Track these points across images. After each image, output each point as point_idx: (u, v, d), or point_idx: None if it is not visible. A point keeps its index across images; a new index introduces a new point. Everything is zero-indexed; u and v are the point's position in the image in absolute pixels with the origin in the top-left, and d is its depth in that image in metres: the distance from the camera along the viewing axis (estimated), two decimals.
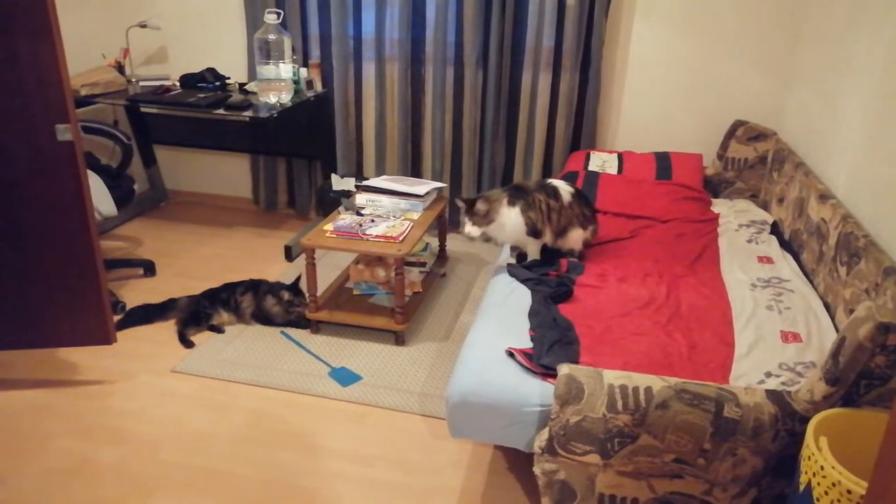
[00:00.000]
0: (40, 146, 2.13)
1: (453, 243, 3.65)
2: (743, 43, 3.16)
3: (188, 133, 3.91)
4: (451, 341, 2.77)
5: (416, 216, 2.85)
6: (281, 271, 3.32)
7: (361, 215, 2.85)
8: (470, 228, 2.38)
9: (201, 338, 2.76)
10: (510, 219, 2.41)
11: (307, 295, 2.76)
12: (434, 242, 3.34)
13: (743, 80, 3.22)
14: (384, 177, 3.15)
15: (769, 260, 2.48)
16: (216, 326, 2.81)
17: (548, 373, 1.79)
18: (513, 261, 2.52)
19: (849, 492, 1.31)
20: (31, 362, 2.58)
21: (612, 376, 1.63)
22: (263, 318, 2.85)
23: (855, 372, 1.50)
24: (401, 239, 2.63)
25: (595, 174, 3.10)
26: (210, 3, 3.71)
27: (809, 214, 2.43)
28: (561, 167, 3.44)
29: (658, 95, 3.35)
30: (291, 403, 2.38)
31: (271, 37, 3.15)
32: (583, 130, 3.42)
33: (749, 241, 2.64)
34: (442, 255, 3.35)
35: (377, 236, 2.64)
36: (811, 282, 2.31)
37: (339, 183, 3.42)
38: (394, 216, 2.84)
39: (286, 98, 3.26)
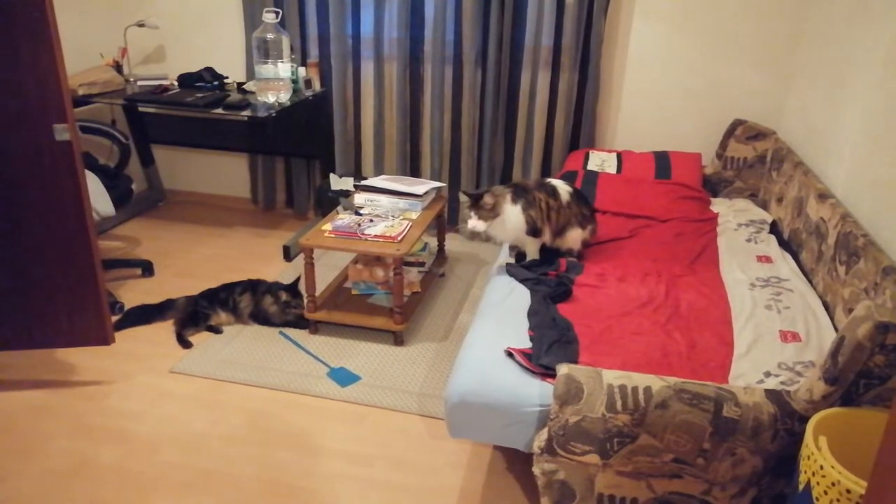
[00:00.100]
0: (38, 146, 2.12)
1: (452, 243, 3.65)
2: (742, 42, 3.16)
3: (186, 132, 3.90)
4: (450, 341, 2.77)
5: (414, 216, 2.85)
6: (279, 271, 3.32)
7: (360, 215, 2.84)
8: (476, 223, 2.36)
9: (199, 338, 2.76)
10: (512, 216, 2.40)
11: (305, 295, 2.76)
12: (433, 242, 3.34)
13: (742, 79, 3.22)
14: (383, 176, 3.15)
15: (768, 259, 2.48)
16: (214, 327, 2.81)
17: (547, 373, 1.79)
18: (512, 260, 2.52)
19: (848, 491, 1.31)
20: (30, 363, 2.57)
21: (612, 376, 1.63)
22: (262, 318, 2.85)
23: (854, 371, 1.49)
24: (399, 239, 2.62)
25: (594, 173, 3.10)
26: (208, 3, 3.70)
27: (808, 214, 2.43)
28: (560, 166, 3.44)
29: (657, 94, 3.35)
30: (290, 404, 2.38)
31: (269, 36, 3.14)
32: (582, 129, 3.42)
33: (748, 241, 2.64)
34: (441, 255, 3.34)
35: (376, 236, 2.63)
36: (810, 281, 2.31)
37: (338, 182, 3.42)
38: (392, 216, 2.83)
39: (284, 97, 3.26)
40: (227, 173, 4.12)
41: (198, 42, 3.79)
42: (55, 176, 2.16)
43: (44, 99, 2.07)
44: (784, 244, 2.59)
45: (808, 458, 1.41)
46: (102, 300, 2.35)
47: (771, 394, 1.60)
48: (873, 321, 1.45)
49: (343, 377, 2.52)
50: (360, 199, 2.95)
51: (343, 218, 2.81)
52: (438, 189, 3.10)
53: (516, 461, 2.14)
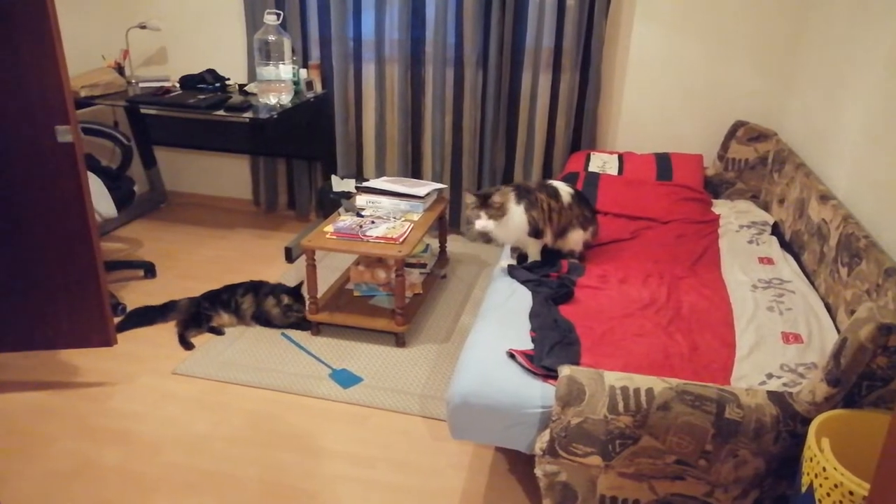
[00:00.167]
0: (40, 148, 2.13)
1: (454, 244, 3.65)
2: (743, 43, 3.16)
3: (188, 134, 3.91)
4: (452, 343, 2.77)
5: (416, 217, 2.85)
6: (281, 272, 3.32)
7: (362, 216, 2.85)
8: (485, 222, 2.35)
9: (202, 339, 2.76)
10: (516, 216, 2.40)
11: (307, 296, 2.76)
12: (434, 244, 3.34)
13: (743, 81, 3.22)
14: (384, 178, 3.15)
15: (770, 261, 2.48)
16: (216, 328, 2.81)
17: (549, 374, 1.79)
18: (513, 262, 2.52)
19: (851, 493, 1.31)
20: (32, 364, 2.57)
21: (614, 378, 1.63)
22: (264, 320, 2.85)
23: (856, 373, 1.49)
24: (401, 240, 2.63)
25: (595, 175, 3.10)
26: (210, 5, 3.71)
27: (810, 215, 2.43)
28: (561, 168, 3.44)
29: (658, 96, 3.35)
30: (292, 405, 2.38)
31: (271, 38, 3.15)
32: (583, 131, 3.42)
33: (750, 242, 2.64)
34: (442, 257, 3.35)
35: (377, 237, 2.63)
36: (812, 283, 2.31)
37: (340, 184, 3.42)
38: (394, 217, 2.84)
39: (286, 99, 3.26)
40: (229, 175, 4.13)
41: (199, 44, 3.79)
42: (57, 177, 2.17)
43: (46, 101, 2.08)
44: (786, 246, 2.59)
45: (811, 459, 1.41)
46: (105, 301, 2.35)
47: (773, 395, 1.60)
48: (875, 323, 1.45)
49: (345, 379, 2.52)
50: (361, 200, 2.95)
51: (345, 219, 2.81)
52: (440, 191, 3.10)
53: (518, 463, 2.13)
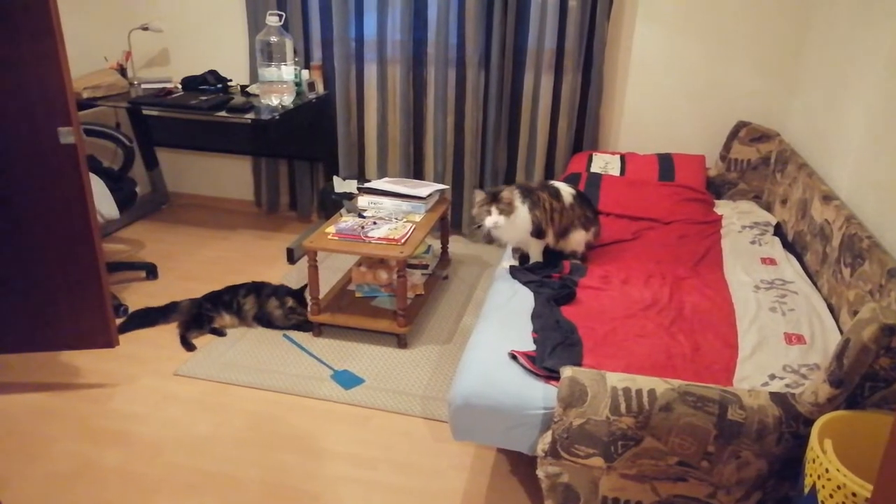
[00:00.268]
0: (43, 149, 2.13)
1: (455, 245, 3.65)
2: (745, 44, 3.16)
3: (190, 135, 3.91)
4: (454, 344, 2.77)
5: (418, 218, 2.85)
6: (283, 274, 3.32)
7: (363, 217, 2.85)
8: (496, 217, 2.35)
9: (203, 341, 2.76)
10: (521, 214, 2.40)
11: (309, 297, 2.76)
12: (436, 244, 3.34)
13: (745, 82, 3.22)
14: (386, 179, 3.15)
15: (772, 261, 2.48)
16: (218, 329, 2.81)
17: (551, 375, 1.79)
18: (515, 263, 2.52)
19: (854, 494, 1.30)
20: (34, 365, 2.58)
21: (616, 379, 1.63)
22: (265, 321, 2.85)
23: (859, 374, 1.49)
24: (403, 241, 2.62)
25: (597, 176, 3.10)
26: (211, 6, 3.71)
27: (813, 216, 2.42)
28: (563, 169, 3.44)
29: (660, 97, 3.34)
30: (294, 406, 2.38)
31: (273, 39, 3.15)
32: (585, 132, 3.41)
33: (752, 243, 2.63)
34: (444, 258, 3.34)
35: (379, 238, 2.63)
36: (815, 283, 2.30)
37: (341, 185, 3.42)
38: (396, 218, 2.84)
39: (288, 100, 3.26)
40: (231, 176, 4.13)
41: (201, 45, 3.80)
42: (59, 179, 2.17)
43: (48, 102, 2.08)
44: (788, 246, 2.58)
45: (814, 461, 1.41)
46: (106, 303, 2.35)
47: (776, 396, 1.59)
48: (878, 323, 1.44)
49: (347, 380, 2.52)
50: (363, 201, 2.95)
51: (346, 220, 2.81)
52: (442, 191, 3.10)
53: (520, 464, 2.13)
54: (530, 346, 1.93)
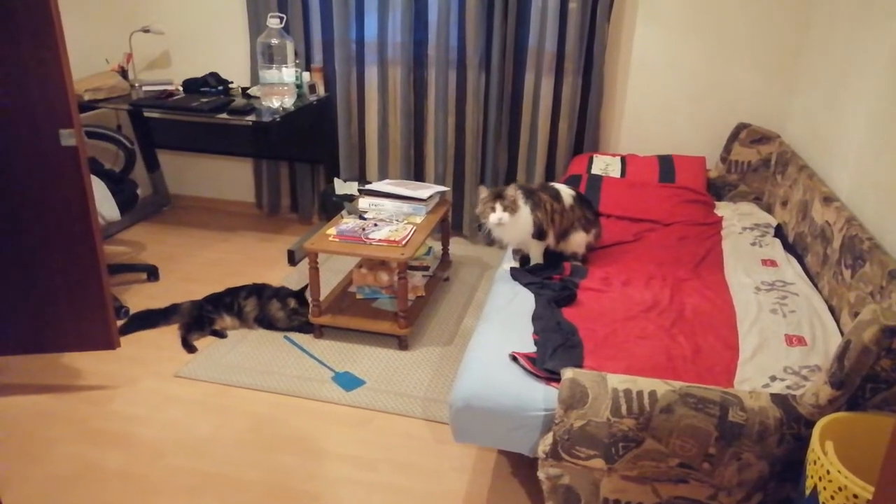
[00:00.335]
0: (44, 151, 2.14)
1: (456, 247, 3.65)
2: (746, 45, 3.16)
3: (191, 137, 3.92)
4: (455, 345, 2.77)
5: (419, 220, 2.85)
6: (284, 275, 3.32)
7: (364, 219, 2.85)
8: (501, 213, 2.35)
9: (204, 343, 2.76)
10: (522, 215, 2.40)
11: (310, 300, 2.76)
12: (437, 246, 3.34)
13: (746, 83, 3.22)
14: (387, 181, 3.15)
15: (773, 263, 2.48)
16: (218, 331, 2.81)
17: (551, 377, 1.79)
18: (516, 265, 2.52)
19: (855, 496, 1.30)
20: (35, 367, 2.58)
21: (617, 380, 1.63)
22: (267, 323, 2.85)
23: (860, 375, 1.49)
24: (404, 243, 2.63)
25: (598, 177, 3.10)
26: (213, 8, 3.72)
27: (813, 217, 2.43)
28: (564, 170, 3.44)
29: (661, 98, 3.35)
30: (295, 408, 2.38)
31: (274, 41, 3.15)
32: (585, 134, 3.42)
33: (753, 244, 2.63)
34: (445, 259, 3.35)
35: (380, 240, 2.64)
36: (815, 285, 2.30)
37: (342, 187, 3.42)
38: (397, 220, 2.84)
39: (289, 102, 3.27)
40: (232, 178, 4.13)
41: (202, 47, 3.80)
42: (61, 181, 2.17)
43: (50, 104, 2.09)
44: (789, 248, 2.58)
45: (815, 462, 1.41)
46: (108, 304, 2.36)
47: (777, 398, 1.59)
48: (879, 325, 1.44)
49: (348, 381, 2.52)
50: (364, 203, 2.95)
51: (347, 222, 2.81)
52: (442, 193, 3.11)
53: (521, 466, 2.13)
54: (531, 348, 1.93)
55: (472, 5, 3.27)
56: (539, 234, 2.45)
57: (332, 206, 3.38)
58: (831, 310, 2.13)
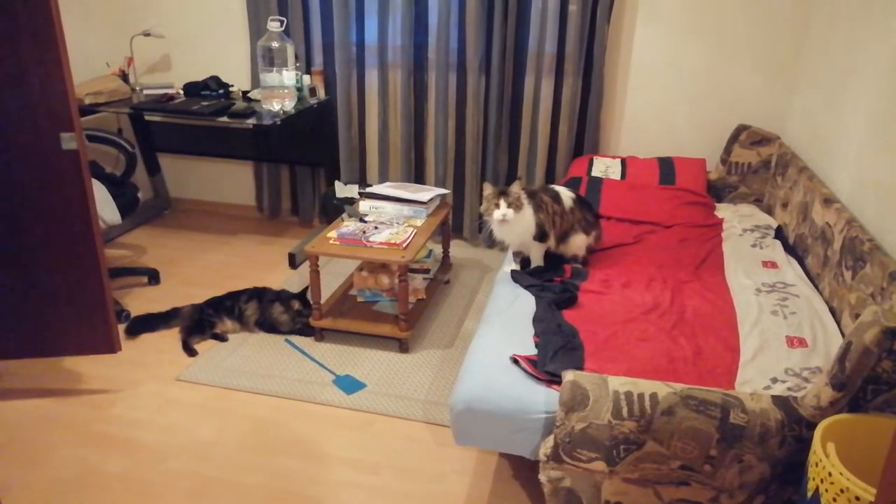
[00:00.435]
0: (45, 155, 2.14)
1: (457, 250, 3.65)
2: (746, 47, 3.16)
3: (192, 141, 3.92)
4: (456, 348, 2.77)
5: (419, 223, 2.85)
6: (284, 279, 3.32)
7: (365, 222, 2.85)
8: (505, 210, 2.34)
9: (205, 346, 2.76)
10: (525, 215, 2.40)
11: (311, 303, 2.76)
12: (437, 249, 3.34)
13: (746, 85, 3.22)
14: (387, 183, 3.15)
15: (774, 264, 2.47)
16: (219, 335, 2.81)
17: (552, 379, 1.79)
18: (517, 267, 2.52)
19: (857, 498, 1.30)
20: (36, 371, 2.58)
21: (617, 383, 1.63)
22: (268, 326, 2.85)
23: (861, 377, 1.49)
24: (404, 245, 2.63)
25: (598, 179, 3.10)
26: (213, 12, 3.72)
27: (814, 218, 2.42)
28: (564, 173, 3.44)
29: (661, 100, 3.35)
30: (296, 411, 2.38)
31: (274, 44, 3.16)
32: (586, 136, 3.42)
33: (753, 246, 2.63)
34: (445, 262, 3.35)
35: (381, 243, 2.64)
36: (816, 286, 2.30)
37: (343, 190, 3.43)
38: (397, 223, 2.84)
39: (289, 105, 3.27)
40: (233, 181, 4.14)
41: (203, 51, 3.81)
42: (62, 184, 2.18)
43: (51, 108, 2.09)
44: (789, 249, 2.58)
45: (817, 464, 1.41)
46: (109, 308, 2.36)
47: (778, 400, 1.59)
48: (880, 326, 1.44)
49: (349, 385, 2.52)
50: (364, 206, 2.96)
51: (348, 225, 2.82)
52: (443, 196, 3.11)
53: (522, 468, 2.13)
54: (532, 351, 1.93)
55: (472, 8, 3.27)
56: (541, 235, 2.45)
57: (333, 209, 3.38)
58: (832, 311, 2.13)
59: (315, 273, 2.69)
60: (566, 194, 2.52)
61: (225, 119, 3.19)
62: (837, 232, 2.19)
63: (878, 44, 2.24)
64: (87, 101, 3.26)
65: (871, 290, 1.89)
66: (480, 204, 3.17)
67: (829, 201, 2.33)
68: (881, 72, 2.20)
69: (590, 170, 3.20)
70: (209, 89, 3.54)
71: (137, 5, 3.78)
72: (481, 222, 3.62)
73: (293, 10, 3.52)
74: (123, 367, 2.61)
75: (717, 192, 3.19)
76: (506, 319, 2.12)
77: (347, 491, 2.03)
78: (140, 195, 3.18)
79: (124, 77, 3.62)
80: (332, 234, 2.73)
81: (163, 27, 3.69)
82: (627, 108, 3.41)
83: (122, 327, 2.81)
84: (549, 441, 1.67)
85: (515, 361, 1.87)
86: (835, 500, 1.34)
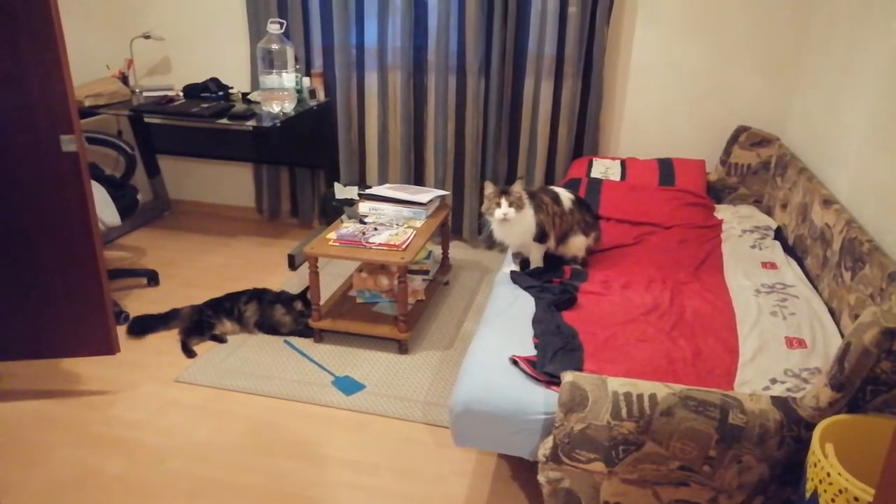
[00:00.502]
0: (45, 157, 2.14)
1: (456, 251, 3.66)
2: (745, 48, 3.16)
3: (191, 143, 3.93)
4: (455, 349, 2.77)
5: (418, 224, 2.85)
6: (284, 280, 3.32)
7: (364, 224, 2.85)
8: (507, 209, 2.34)
9: (204, 347, 2.76)
10: (526, 215, 2.40)
11: (311, 304, 2.76)
12: (437, 250, 3.34)
13: (745, 86, 3.22)
14: (387, 185, 3.16)
15: (773, 265, 2.47)
16: (218, 336, 2.81)
17: (552, 380, 1.79)
18: (516, 268, 2.52)
19: (856, 499, 1.30)
20: (35, 373, 2.58)
21: (617, 383, 1.63)
22: (268, 328, 2.85)
23: (860, 377, 1.49)
24: (404, 247, 2.63)
25: (598, 181, 3.10)
26: (213, 14, 3.73)
27: (813, 219, 2.43)
28: (564, 174, 3.44)
29: (660, 101, 3.35)
30: (295, 413, 2.38)
31: (274, 46, 3.16)
32: (585, 137, 3.42)
33: (753, 247, 2.63)
34: (445, 263, 3.35)
35: (380, 244, 2.64)
36: (815, 287, 2.30)
37: (342, 191, 3.43)
38: (397, 224, 2.84)
39: (289, 107, 3.27)
40: (232, 183, 4.14)
41: (203, 53, 3.81)
42: (61, 186, 2.18)
43: (50, 110, 2.09)
44: (789, 250, 2.58)
45: (815, 465, 1.41)
46: (108, 310, 2.36)
47: (777, 400, 1.59)
48: (879, 327, 1.44)
49: (348, 386, 2.52)
50: (364, 207, 2.96)
51: (347, 227, 2.82)
52: (442, 197, 3.11)
53: (521, 469, 2.13)
54: (531, 352, 1.93)
55: (472, 10, 3.27)
56: (541, 236, 2.45)
57: (333, 211, 3.38)
58: (831, 312, 2.13)
59: (314, 274, 2.69)
60: (565, 195, 2.52)
61: (225, 121, 3.19)
62: (837, 233, 2.19)
63: (878, 44, 2.24)
64: (87, 103, 3.27)
65: (870, 290, 1.89)
66: (481, 204, 3.17)
67: (828, 202, 2.33)
68: (881, 72, 2.20)
69: (589, 171, 3.20)
70: (209, 91, 3.54)
71: (137, 7, 3.78)
72: (481, 223, 3.64)
73: (293, 13, 3.53)
74: (122, 369, 2.61)
75: (717, 193, 3.19)
76: (505, 320, 2.12)
77: (346, 492, 2.03)
78: (140, 197, 3.18)
79: (124, 79, 3.62)
80: (332, 235, 2.73)
81: (162, 29, 3.70)
82: (627, 110, 3.41)
83: (121, 329, 2.81)
84: (549, 442, 1.67)
85: (515, 362, 1.87)
86: (833, 500, 1.34)
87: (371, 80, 3.60)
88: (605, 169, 3.21)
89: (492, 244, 3.69)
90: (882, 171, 2.10)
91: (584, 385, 1.63)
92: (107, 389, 2.49)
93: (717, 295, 2.28)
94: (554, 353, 1.88)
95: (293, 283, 3.27)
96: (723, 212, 3.01)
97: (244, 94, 3.57)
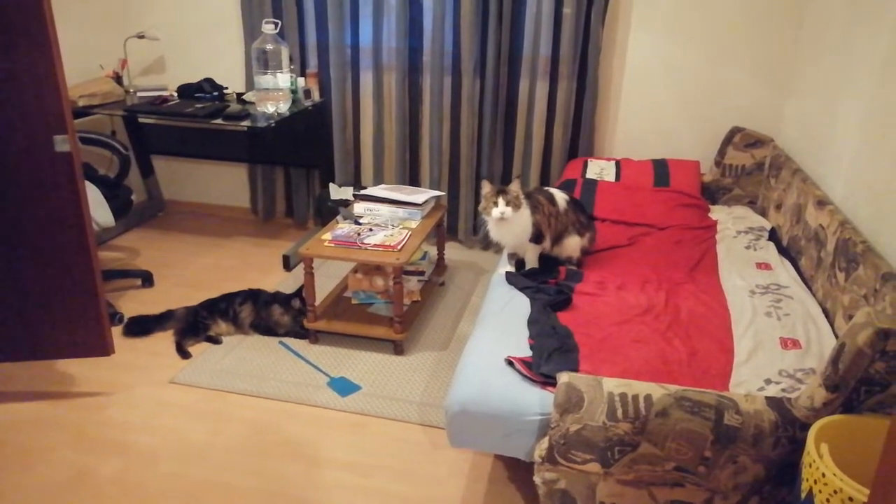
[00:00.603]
0: (38, 157, 2.13)
1: (452, 252, 3.66)
2: (740, 50, 3.17)
3: (186, 143, 3.91)
4: (450, 350, 2.77)
5: (414, 225, 2.85)
6: (279, 281, 3.32)
7: (360, 224, 2.85)
8: (504, 208, 2.34)
9: (199, 348, 2.76)
10: (524, 215, 2.40)
11: (307, 304, 2.76)
12: (432, 251, 3.34)
13: (740, 87, 3.23)
14: (382, 186, 3.15)
15: (767, 266, 2.48)
16: (213, 337, 2.80)
17: (547, 381, 1.79)
18: (511, 269, 2.52)
19: (851, 499, 1.31)
20: (30, 374, 2.57)
21: (612, 384, 1.63)
22: (264, 328, 2.84)
23: (855, 378, 1.49)
24: (399, 248, 2.63)
25: (593, 182, 3.11)
26: (208, 14, 3.72)
27: (807, 220, 2.44)
28: (559, 175, 3.45)
29: (655, 103, 3.36)
30: (290, 414, 2.37)
31: (269, 46, 3.16)
32: (580, 138, 3.43)
33: (747, 248, 2.64)
34: (440, 264, 3.35)
35: (375, 245, 2.63)
36: (810, 288, 2.31)
37: (338, 192, 3.42)
38: (392, 225, 2.84)
39: (284, 107, 3.27)
40: (227, 183, 4.13)
41: (197, 53, 3.80)
42: (55, 187, 2.17)
43: (44, 110, 2.08)
44: (783, 251, 2.59)
45: (810, 465, 1.41)
46: (102, 311, 2.35)
47: (772, 401, 1.60)
48: (873, 327, 1.45)
49: (343, 387, 2.52)
50: (359, 208, 2.95)
51: (343, 227, 2.81)
52: (438, 198, 3.11)
53: (517, 470, 2.13)
54: (527, 352, 1.93)
55: (467, 11, 3.27)
56: (536, 236, 2.45)
57: (328, 211, 3.38)
58: (825, 313, 2.14)
59: (309, 275, 2.68)
60: (560, 196, 2.53)
61: (219, 121, 3.19)
62: (831, 234, 2.20)
63: (871, 46, 2.26)
64: (81, 103, 3.25)
65: (864, 291, 1.90)
66: (477, 204, 3.17)
67: (822, 203, 2.34)
68: (874, 74, 2.21)
69: (584, 172, 3.21)
70: (203, 91, 3.53)
71: (131, 7, 3.77)
72: (477, 223, 3.64)
73: (288, 13, 3.52)
74: (117, 370, 2.60)
75: (712, 194, 3.20)
76: (501, 321, 2.12)
77: (342, 493, 2.03)
78: (134, 197, 3.17)
79: (118, 79, 3.61)
80: (327, 236, 2.73)
81: (157, 29, 3.69)
82: (622, 111, 3.42)
83: (116, 330, 2.80)
84: (544, 443, 1.67)
85: (510, 363, 1.87)
86: (828, 500, 1.35)
87: (366, 80, 3.59)
88: (600, 170, 3.22)
89: (487, 245, 3.70)
90: (876, 172, 2.11)
91: (580, 386, 1.63)
92: (101, 391, 2.48)
93: (711, 296, 2.29)
94: (549, 354, 1.88)
95: (288, 283, 3.27)
96: (717, 213, 3.02)
97: (239, 95, 3.57)
